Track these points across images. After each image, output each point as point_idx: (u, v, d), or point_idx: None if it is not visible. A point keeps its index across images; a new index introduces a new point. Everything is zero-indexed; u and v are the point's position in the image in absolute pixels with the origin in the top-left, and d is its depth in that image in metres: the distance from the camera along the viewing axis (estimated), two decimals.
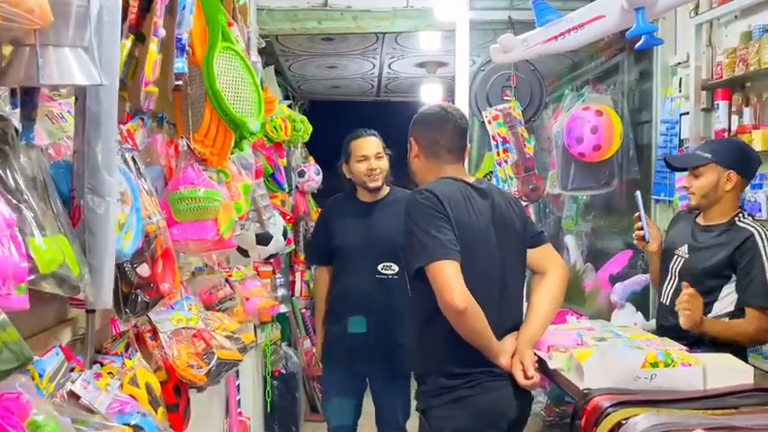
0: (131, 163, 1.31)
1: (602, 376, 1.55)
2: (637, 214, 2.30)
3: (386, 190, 2.69)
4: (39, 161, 0.92)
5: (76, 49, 0.81)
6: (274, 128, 2.71)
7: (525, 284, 2.07)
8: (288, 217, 3.55)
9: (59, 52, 0.79)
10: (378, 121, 3.12)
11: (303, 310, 4.63)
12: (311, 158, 4.68)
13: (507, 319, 1.88)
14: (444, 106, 2.10)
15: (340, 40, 3.75)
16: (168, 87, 1.54)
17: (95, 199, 0.96)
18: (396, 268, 2.59)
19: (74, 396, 1.10)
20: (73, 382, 1.11)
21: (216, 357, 1.66)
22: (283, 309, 3.85)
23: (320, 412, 3.84)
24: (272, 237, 2.83)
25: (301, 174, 4.48)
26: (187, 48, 1.53)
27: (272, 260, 3.15)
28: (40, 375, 1.04)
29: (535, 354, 1.79)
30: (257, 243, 2.76)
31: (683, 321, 1.85)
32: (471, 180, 1.97)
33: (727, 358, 1.66)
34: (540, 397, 2.68)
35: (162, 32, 1.41)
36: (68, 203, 0.98)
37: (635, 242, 2.36)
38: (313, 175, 4.34)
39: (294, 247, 4.20)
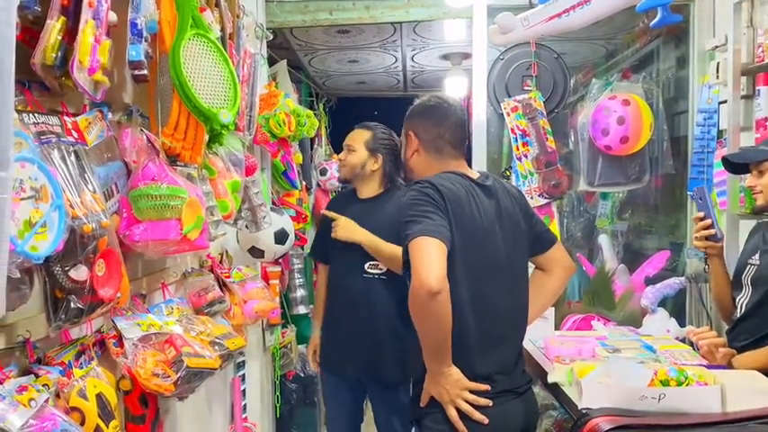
0: (70, 158, 1.21)
1: (603, 395, 1.37)
2: (701, 213, 2.08)
3: (374, 186, 2.59)
4: None
5: None
6: (277, 123, 2.59)
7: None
8: (303, 216, 3.45)
9: None
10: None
11: None
12: (335, 156, 4.58)
13: (516, 320, 1.75)
14: (444, 97, 1.96)
15: (356, 31, 3.62)
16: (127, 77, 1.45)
17: None
18: (383, 268, 2.48)
19: None
20: None
21: (185, 366, 1.55)
22: (303, 310, 3.76)
23: None
24: (288, 235, 2.75)
25: (323, 171, 4.38)
26: (146, 34, 1.43)
27: (280, 260, 3.05)
28: None
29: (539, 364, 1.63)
30: (276, 242, 2.69)
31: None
32: (475, 176, 1.83)
33: (752, 376, 1.45)
34: (551, 411, 2.49)
35: (111, 16, 1.32)
36: None
37: (696, 244, 2.11)
38: (335, 173, 4.23)
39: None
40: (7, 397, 1.03)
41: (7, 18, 0.87)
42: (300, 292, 3.84)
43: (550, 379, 1.55)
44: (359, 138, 2.58)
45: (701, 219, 2.06)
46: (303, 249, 3.68)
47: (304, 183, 3.79)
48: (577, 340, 1.84)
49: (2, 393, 1.03)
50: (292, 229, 2.81)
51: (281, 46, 3.77)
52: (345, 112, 5.41)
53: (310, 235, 3.89)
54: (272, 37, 2.91)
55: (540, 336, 2.55)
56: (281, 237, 2.66)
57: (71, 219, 1.10)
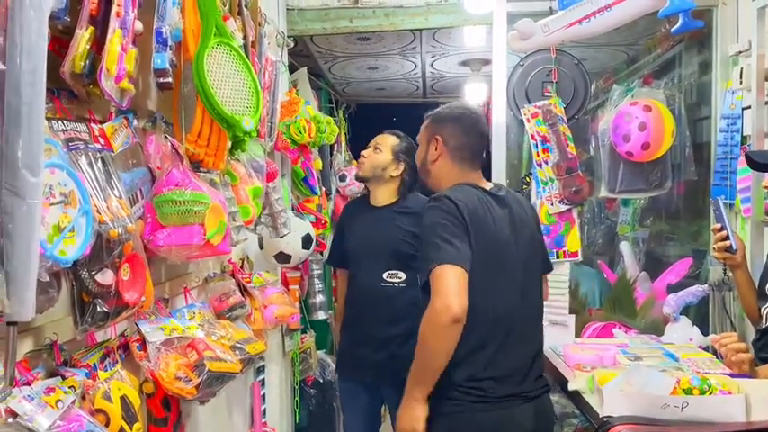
0: (97, 164, 1.24)
1: (624, 402, 1.36)
2: (718, 224, 2.07)
3: (389, 193, 2.61)
4: None
5: None
6: (298, 130, 2.62)
7: None
8: (323, 222, 3.46)
9: None
10: None
11: None
12: (355, 162, 4.59)
13: (530, 326, 1.77)
14: (472, 108, 2.03)
15: (376, 39, 3.64)
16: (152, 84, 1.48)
17: (15, 200, 0.87)
18: (403, 276, 2.50)
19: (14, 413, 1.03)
20: (14, 397, 1.03)
21: (207, 369, 1.57)
22: (322, 315, 3.77)
23: None
24: (313, 240, 2.78)
25: (342, 178, 4.40)
26: (171, 43, 1.46)
27: (300, 265, 3.07)
28: None
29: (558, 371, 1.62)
30: (303, 247, 2.72)
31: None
32: (489, 187, 1.88)
33: None
34: (572, 419, 2.47)
35: (137, 25, 1.34)
36: None
37: (715, 255, 2.10)
38: (354, 180, 4.24)
39: None
40: (35, 398, 1.05)
41: (39, 29, 0.89)
42: (320, 298, 3.85)
43: (571, 386, 1.54)
44: (388, 141, 2.62)
45: (719, 230, 2.04)
46: (322, 255, 3.69)
47: (323, 189, 3.81)
48: (598, 348, 1.83)
49: (30, 394, 1.05)
50: (314, 234, 2.85)
51: (301, 53, 3.80)
52: (365, 118, 5.43)
53: (329, 241, 3.91)
54: (292, 45, 2.94)
55: (559, 343, 2.54)
56: (307, 241, 2.69)
57: (98, 224, 1.13)
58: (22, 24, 0.87)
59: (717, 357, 1.84)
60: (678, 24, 1.63)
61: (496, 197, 1.81)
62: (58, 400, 1.10)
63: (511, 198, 1.86)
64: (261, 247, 2.69)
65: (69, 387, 1.18)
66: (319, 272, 3.79)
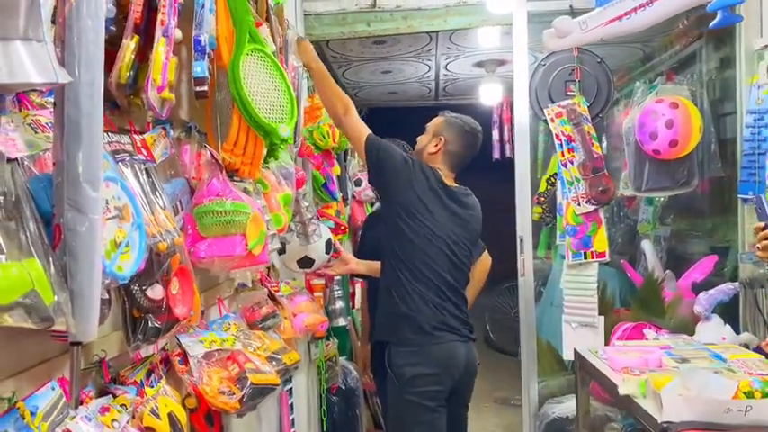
0: (143, 176, 1.21)
1: (684, 407, 1.32)
2: (761, 223, 2.01)
3: None
4: (11, 175, 0.81)
5: (30, 43, 0.69)
6: (322, 135, 2.59)
7: None
8: (342, 227, 3.43)
9: (8, 46, 0.67)
10: None
11: None
12: None
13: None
14: (479, 128, 2.37)
15: (392, 42, 3.61)
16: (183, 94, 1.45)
17: (77, 216, 0.84)
18: None
19: None
20: (72, 418, 1.00)
21: (249, 382, 1.54)
22: (342, 322, 3.74)
23: (383, 428, 3.69)
24: (332, 244, 2.75)
25: (358, 182, 4.37)
26: (208, 51, 1.43)
27: (321, 272, 3.03)
28: (32, 413, 0.94)
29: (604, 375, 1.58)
30: (325, 251, 2.69)
31: None
32: (453, 185, 2.29)
33: None
34: (613, 423, 2.43)
35: (177, 33, 1.32)
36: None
37: (759, 255, 2.05)
38: (369, 183, 4.21)
39: None
40: (93, 419, 1.02)
41: (96, 38, 0.86)
42: (339, 304, 3.82)
43: (622, 391, 1.50)
44: None
45: (762, 228, 1.99)
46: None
47: (341, 194, 3.78)
48: (641, 350, 1.79)
49: (87, 415, 1.02)
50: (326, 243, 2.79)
51: None
52: (376, 122, 5.40)
53: (347, 246, 3.88)
54: None
55: (589, 344, 2.50)
56: (329, 246, 2.66)
57: (149, 237, 1.10)
58: (80, 34, 0.84)
59: (766, 358, 1.80)
60: (717, 19, 1.59)
61: (451, 190, 2.24)
62: (114, 420, 1.07)
63: (469, 201, 2.32)
64: (280, 252, 2.67)
65: (121, 405, 1.16)
66: (338, 278, 3.76)
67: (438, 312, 2.16)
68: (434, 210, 2.19)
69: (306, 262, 2.63)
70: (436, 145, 2.29)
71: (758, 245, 1.95)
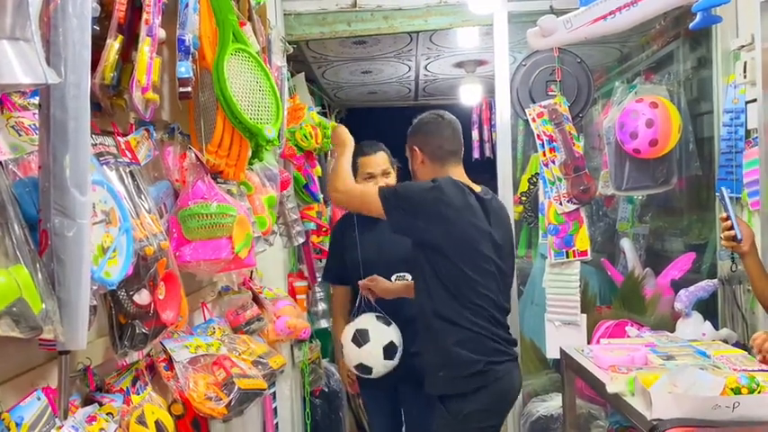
0: (128, 178, 1.18)
1: (673, 405, 1.33)
2: (724, 214, 2.07)
3: None
4: None
5: (17, 42, 0.67)
6: (304, 136, 2.57)
7: None
8: (324, 229, 3.41)
9: None
10: None
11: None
12: None
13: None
14: (439, 113, 2.25)
15: (372, 42, 3.60)
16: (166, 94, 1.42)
17: (64, 221, 0.82)
18: (409, 277, 2.48)
19: None
20: (59, 429, 0.97)
21: (237, 387, 1.52)
22: (324, 324, 3.71)
23: (366, 430, 3.68)
24: (397, 348, 2.58)
25: None
26: (192, 50, 1.41)
27: (307, 273, 3.02)
28: (18, 424, 0.91)
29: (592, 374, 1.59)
30: (384, 357, 2.61)
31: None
32: (478, 189, 2.14)
33: None
34: (599, 421, 2.44)
35: (160, 33, 1.29)
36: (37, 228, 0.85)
37: (723, 244, 2.10)
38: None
39: None
40: (80, 429, 0.99)
41: (82, 38, 0.84)
42: (321, 306, 3.78)
43: (610, 389, 1.51)
44: (384, 160, 2.61)
45: (725, 219, 2.04)
46: (323, 263, 3.63)
47: (322, 195, 3.75)
48: (626, 348, 1.81)
49: (74, 425, 0.99)
50: (400, 340, 2.45)
51: (296, 59, 3.74)
52: (355, 122, 5.39)
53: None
54: (291, 50, 2.89)
55: (572, 342, 2.51)
56: (390, 351, 2.39)
57: (136, 242, 1.07)
58: (65, 34, 0.81)
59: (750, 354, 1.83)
60: (697, 20, 1.61)
61: (481, 198, 2.10)
62: (101, 429, 1.05)
63: (494, 204, 2.19)
64: (339, 356, 2.63)
65: (107, 414, 1.13)
66: (320, 280, 3.73)
67: (492, 342, 2.01)
68: (479, 225, 2.05)
69: (362, 368, 2.43)
70: (415, 157, 2.21)
71: (721, 234, 2.00)
